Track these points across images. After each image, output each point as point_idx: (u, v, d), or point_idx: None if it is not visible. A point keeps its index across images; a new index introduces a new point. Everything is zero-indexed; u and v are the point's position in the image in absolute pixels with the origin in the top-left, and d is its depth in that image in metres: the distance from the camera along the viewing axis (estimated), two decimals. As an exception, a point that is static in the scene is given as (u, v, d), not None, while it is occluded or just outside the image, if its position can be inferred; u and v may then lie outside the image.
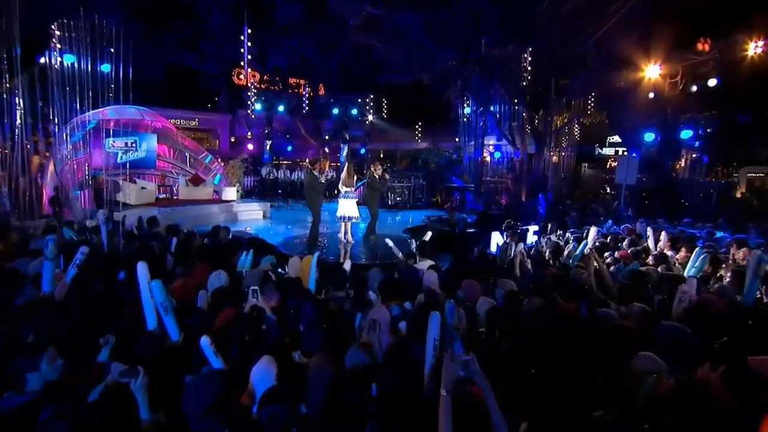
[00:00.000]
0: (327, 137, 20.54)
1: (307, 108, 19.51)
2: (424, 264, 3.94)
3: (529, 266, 3.95)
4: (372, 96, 20.34)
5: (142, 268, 2.41)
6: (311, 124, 20.99)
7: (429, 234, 5.16)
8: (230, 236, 5.32)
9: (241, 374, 1.93)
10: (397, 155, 22.95)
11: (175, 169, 12.54)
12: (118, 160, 10.39)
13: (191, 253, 4.25)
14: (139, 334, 2.28)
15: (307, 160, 7.90)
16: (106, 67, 7.91)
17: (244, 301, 2.65)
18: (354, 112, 19.86)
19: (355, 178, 7.41)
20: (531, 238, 6.85)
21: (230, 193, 11.97)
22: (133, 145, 10.83)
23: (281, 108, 18.79)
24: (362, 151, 21.44)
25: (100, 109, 7.92)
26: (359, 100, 20.19)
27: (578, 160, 16.15)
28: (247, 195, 14.17)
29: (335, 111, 19.64)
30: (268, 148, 18.50)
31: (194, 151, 12.59)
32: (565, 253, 4.86)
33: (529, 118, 14.53)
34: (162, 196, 11.08)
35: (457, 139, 18.02)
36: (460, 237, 7.13)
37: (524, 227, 7.29)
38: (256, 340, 2.37)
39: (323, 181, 7.11)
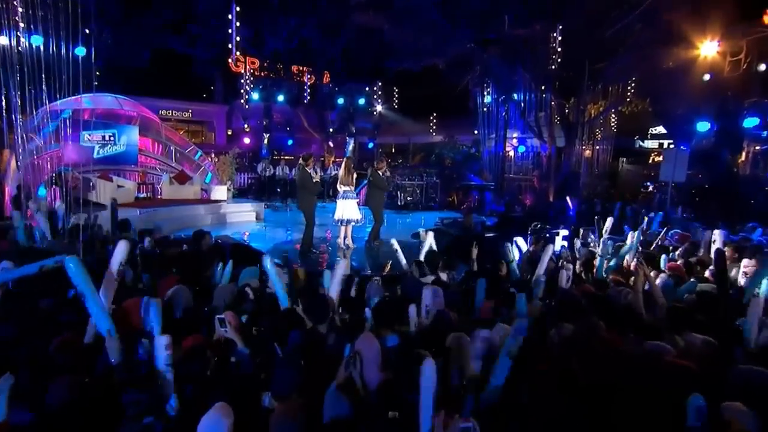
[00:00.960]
0: (331, 130, 20.50)
1: (309, 98, 19.48)
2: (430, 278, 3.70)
3: (566, 280, 3.52)
4: (381, 84, 20.29)
5: (78, 279, 2.20)
6: (314, 115, 20.95)
7: (430, 238, 4.90)
8: (212, 242, 5.08)
9: (190, 424, 1.68)
10: (410, 149, 22.84)
11: (161, 166, 12.51)
12: (95, 155, 10.34)
13: (160, 263, 4.05)
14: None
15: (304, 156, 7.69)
16: (80, 51, 7.73)
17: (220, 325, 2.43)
18: (361, 102, 19.91)
19: (355, 175, 7.28)
20: (559, 245, 6.60)
21: (220, 192, 11.92)
22: (111, 138, 10.75)
23: (281, 98, 18.77)
24: (370, 145, 21.50)
25: (74, 98, 7.74)
26: (366, 89, 20.12)
27: (615, 154, 15.72)
28: (241, 194, 14.05)
29: (340, 101, 19.67)
30: (266, 142, 18.48)
31: (181, 146, 12.57)
32: (596, 261, 4.56)
33: (558, 106, 14.29)
34: (143, 195, 11.08)
35: (476, 132, 17.83)
36: (476, 242, 6.83)
37: (552, 231, 7.11)
38: (218, 377, 2.17)
39: (317, 179, 6.90)
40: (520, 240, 6.17)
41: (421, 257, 4.53)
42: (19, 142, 6.61)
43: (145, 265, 3.86)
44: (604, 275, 4.32)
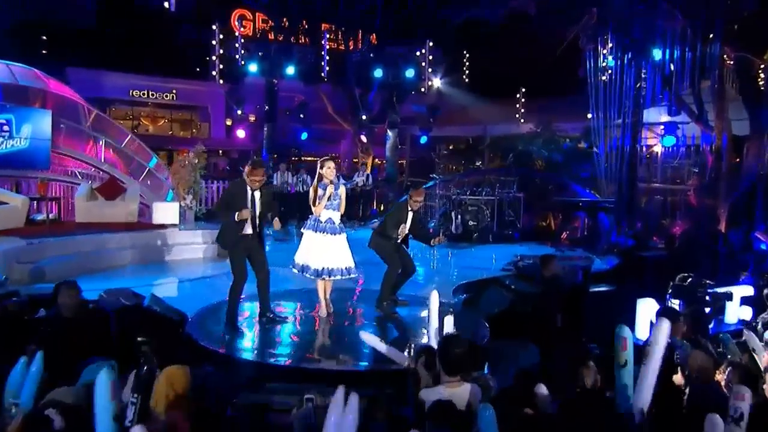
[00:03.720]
0: (364, 117, 19.82)
1: (328, 70, 18.63)
2: (452, 390, 3.40)
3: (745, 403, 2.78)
4: (439, 48, 19.98)
5: None
6: (341, 96, 20.52)
7: (435, 303, 4.84)
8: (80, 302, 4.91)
9: None
10: (485, 144, 22.20)
11: (95, 171, 12.29)
12: None
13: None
14: None
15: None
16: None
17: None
18: (410, 74, 19.11)
19: (341, 191, 6.32)
20: (735, 316, 6.81)
21: (167, 212, 11.25)
22: (5, 128, 10.52)
23: (290, 70, 18.17)
24: (423, 139, 20.94)
25: None
26: (418, 54, 19.42)
27: None
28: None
29: (378, 74, 18.73)
30: (265, 137, 18.20)
31: (121, 142, 12.46)
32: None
33: (737, 69, 13.39)
34: (41, 217, 10.55)
35: (588, 116, 16.81)
36: (563, 305, 6.51)
37: (718, 289, 7.07)
38: None
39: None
40: (646, 304, 6.25)
41: (432, 341, 4.60)
42: None
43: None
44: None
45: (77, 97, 12.71)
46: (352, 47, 19.90)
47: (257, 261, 5.90)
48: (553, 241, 12.98)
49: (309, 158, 26.01)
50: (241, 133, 19.07)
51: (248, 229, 5.73)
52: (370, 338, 4.86)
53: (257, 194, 5.77)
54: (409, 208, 6.65)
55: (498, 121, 21.99)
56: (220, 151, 24.71)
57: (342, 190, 6.20)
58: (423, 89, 19.67)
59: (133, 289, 5.97)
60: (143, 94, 22.56)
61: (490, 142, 22.20)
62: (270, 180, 14.76)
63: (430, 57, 19.53)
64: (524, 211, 14.12)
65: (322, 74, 18.77)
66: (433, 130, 21.47)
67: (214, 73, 17.15)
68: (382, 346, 4.60)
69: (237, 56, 17.41)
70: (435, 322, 4.75)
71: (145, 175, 12.60)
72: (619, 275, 9.33)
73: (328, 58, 18.86)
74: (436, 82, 20.23)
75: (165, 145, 22.79)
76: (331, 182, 6.13)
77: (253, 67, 17.94)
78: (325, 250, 6.19)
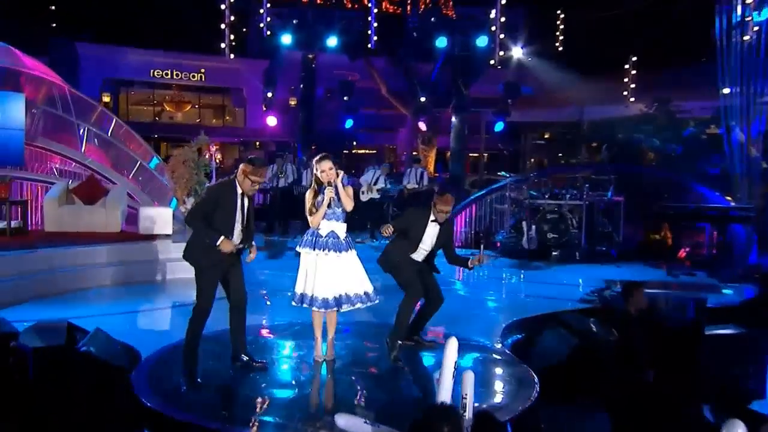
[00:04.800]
0: (425, 99, 19.26)
1: (377, 40, 18.34)
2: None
3: None
4: (520, 7, 19.67)
5: None
6: (398, 74, 20.14)
7: (451, 357, 4.45)
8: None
9: None
10: (582, 131, 21.52)
11: (82, 169, 12.32)
12: None
13: None
14: None
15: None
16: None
17: None
18: (481, 43, 18.43)
19: (350, 192, 6.14)
20: None
21: (157, 220, 11.11)
22: None
23: (332, 41, 18.06)
24: (499, 126, 20.14)
25: None
26: (492, 15, 18.93)
27: None
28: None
29: (441, 43, 18.26)
30: (300, 125, 18.45)
31: (112, 133, 12.76)
32: None
33: None
34: (1, 226, 10.51)
35: (725, 91, 15.75)
36: (660, 355, 6.29)
37: None
38: None
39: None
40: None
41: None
42: None
43: None
44: None
45: (60, 79, 12.79)
46: (409, 11, 19.70)
47: (234, 283, 5.67)
48: (667, 262, 12.05)
49: (361, 151, 25.68)
50: (272, 121, 18.90)
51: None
52: (349, 423, 4.44)
53: (246, 201, 5.66)
54: (432, 218, 6.26)
55: (599, 101, 21.49)
56: (257, 143, 24.63)
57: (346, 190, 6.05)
58: (492, 61, 18.89)
59: (111, 316, 6.14)
60: (166, 74, 22.97)
61: (587, 129, 21.45)
62: (298, 180, 15.01)
63: (503, 19, 18.40)
64: (625, 220, 13.32)
65: (370, 45, 18.60)
66: (513, 115, 21.12)
67: (223, 45, 16.88)
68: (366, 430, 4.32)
69: (262, 25, 16.99)
70: (448, 382, 4.31)
71: (138, 170, 12.59)
72: (755, 312, 8.27)
73: (377, 24, 18.64)
74: (517, 52, 19.47)
75: (190, 136, 22.95)
76: (329, 184, 5.82)
77: (286, 39, 17.84)
78: (330, 273, 5.96)
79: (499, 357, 6.24)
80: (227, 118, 25.89)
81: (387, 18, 19.09)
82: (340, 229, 5.93)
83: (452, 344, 4.39)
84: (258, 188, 5.85)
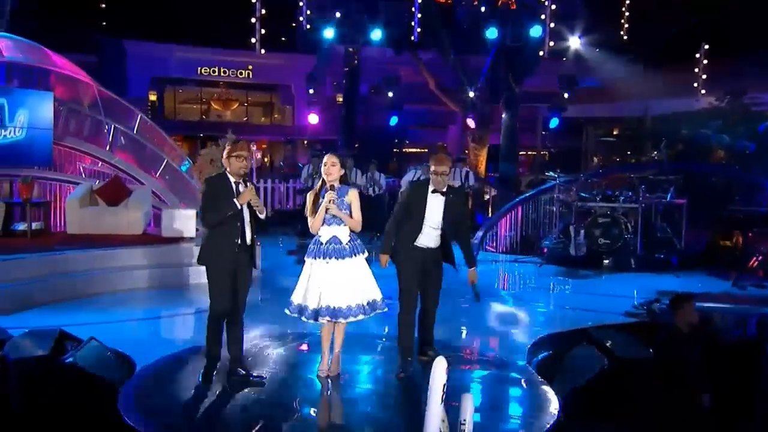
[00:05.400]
0: (472, 94, 18.66)
1: (419, 32, 17.84)
2: None
3: None
4: None
5: None
6: (448, 68, 19.63)
7: (438, 380, 4.18)
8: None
9: None
10: (646, 126, 20.65)
11: (106, 168, 12.37)
12: None
13: None
14: None
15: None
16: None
17: None
18: (535, 33, 17.75)
19: (352, 198, 5.76)
20: None
21: (181, 222, 11.02)
22: None
23: (376, 35, 17.77)
24: (554, 122, 19.44)
25: None
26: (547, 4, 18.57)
27: None
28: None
29: (492, 34, 17.65)
30: (341, 122, 18.18)
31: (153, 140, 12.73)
32: None
33: None
34: (21, 227, 10.65)
35: None
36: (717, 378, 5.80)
37: None
38: None
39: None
40: None
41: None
42: None
43: None
44: None
45: (89, 78, 12.94)
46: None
47: (238, 284, 5.58)
48: (737, 271, 11.22)
49: (411, 150, 25.05)
50: (313, 119, 18.75)
51: (238, 239, 5.56)
52: None
53: (242, 188, 5.55)
54: (432, 188, 5.73)
55: (666, 93, 20.58)
56: (305, 142, 24.42)
57: (351, 197, 5.63)
58: (542, 52, 17.87)
59: (123, 323, 6.54)
60: (213, 71, 23.07)
61: (650, 124, 20.52)
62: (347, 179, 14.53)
63: (554, 6, 17.49)
64: (689, 225, 12.70)
65: (413, 38, 18.24)
66: (577, 110, 20.55)
67: (253, 40, 16.52)
68: None
69: (302, 18, 16.59)
70: (435, 407, 3.96)
71: (164, 169, 12.61)
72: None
73: (423, 15, 18.35)
74: (574, 42, 18.69)
75: (237, 135, 23.05)
76: (332, 187, 5.52)
77: (328, 33, 17.58)
78: (327, 282, 5.66)
79: (519, 376, 5.86)
80: (275, 115, 25.88)
81: (434, 8, 18.45)
82: (343, 233, 5.59)
83: (440, 366, 4.09)
84: (246, 164, 5.56)
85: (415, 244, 5.68)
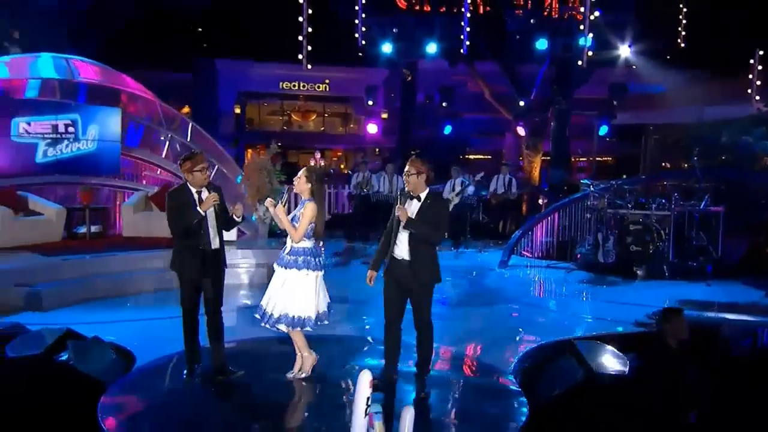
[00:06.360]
0: (522, 103, 18.69)
1: (474, 44, 17.69)
2: None
3: None
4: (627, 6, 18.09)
5: None
6: (500, 77, 19.52)
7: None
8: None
9: None
10: (695, 136, 19.54)
11: (166, 174, 12.85)
12: (39, 159, 10.91)
13: None
14: None
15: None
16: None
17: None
18: (585, 42, 17.64)
19: (307, 209, 5.53)
20: None
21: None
22: (71, 129, 11.21)
23: (432, 48, 17.97)
24: (603, 129, 19.39)
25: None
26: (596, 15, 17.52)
27: None
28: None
29: (542, 45, 17.73)
30: (399, 132, 18.74)
31: (209, 149, 12.74)
32: None
33: None
34: (82, 230, 11.03)
35: None
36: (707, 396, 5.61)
37: None
38: None
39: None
40: None
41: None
42: None
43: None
44: None
45: (152, 96, 13.36)
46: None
47: (207, 289, 5.55)
48: None
49: (473, 156, 25.03)
50: (372, 128, 19.05)
51: (203, 244, 5.52)
52: None
53: (204, 195, 5.50)
54: (406, 191, 5.30)
55: (719, 100, 19.79)
56: (377, 150, 24.76)
57: (307, 209, 5.36)
58: (580, 62, 17.75)
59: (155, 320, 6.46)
60: (294, 85, 23.66)
61: (700, 132, 19.49)
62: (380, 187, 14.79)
63: (592, 16, 17.32)
64: (726, 232, 12.19)
65: (462, 50, 17.97)
66: (633, 117, 20.48)
67: (300, 56, 16.89)
68: None
69: (357, 35, 17.02)
70: (359, 420, 3.89)
71: (215, 175, 12.63)
72: None
73: (475, 28, 17.90)
74: (624, 50, 18.18)
75: (312, 144, 23.43)
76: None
77: (386, 48, 17.86)
78: (270, 288, 5.69)
79: (496, 386, 5.60)
80: (351, 126, 26.33)
81: (488, 20, 18.40)
82: (288, 243, 5.57)
83: (364, 378, 4.08)
84: (208, 173, 5.58)
85: (393, 255, 5.23)
